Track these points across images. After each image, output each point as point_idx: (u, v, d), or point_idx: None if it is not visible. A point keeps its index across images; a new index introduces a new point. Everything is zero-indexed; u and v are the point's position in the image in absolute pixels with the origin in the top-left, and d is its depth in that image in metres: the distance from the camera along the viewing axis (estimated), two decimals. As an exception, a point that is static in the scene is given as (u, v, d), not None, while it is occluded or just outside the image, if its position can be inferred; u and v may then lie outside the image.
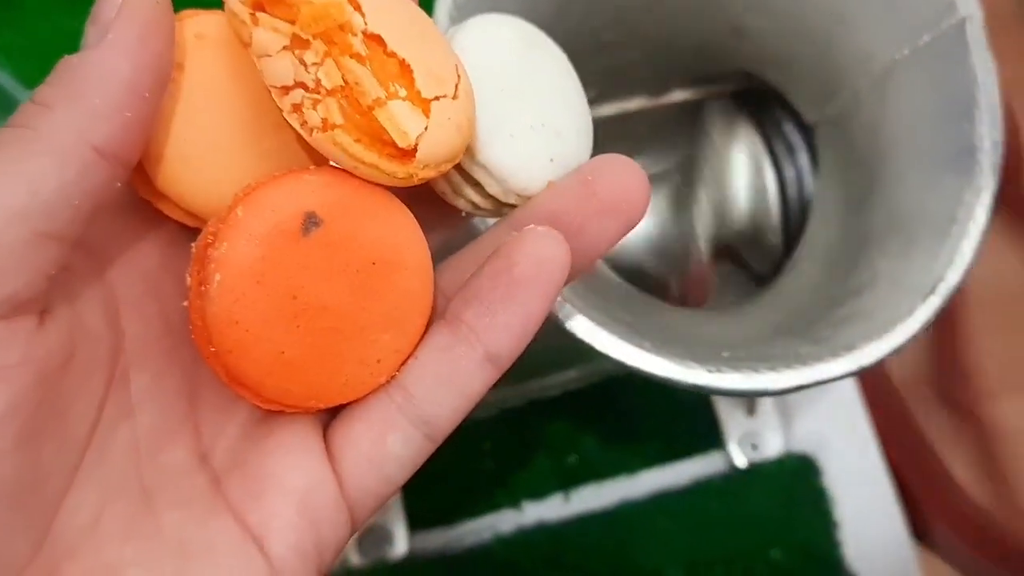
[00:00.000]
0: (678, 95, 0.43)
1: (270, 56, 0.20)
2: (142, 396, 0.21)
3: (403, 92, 0.20)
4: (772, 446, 0.51)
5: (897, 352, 0.32)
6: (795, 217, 0.40)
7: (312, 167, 0.21)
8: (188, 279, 0.20)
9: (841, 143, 0.38)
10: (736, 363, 0.31)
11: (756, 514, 0.52)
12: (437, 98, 0.20)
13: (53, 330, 0.19)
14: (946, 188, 0.33)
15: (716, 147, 0.42)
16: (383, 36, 0.20)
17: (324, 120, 0.20)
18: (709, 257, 0.40)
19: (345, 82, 0.20)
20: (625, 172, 0.22)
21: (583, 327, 0.31)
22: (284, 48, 0.20)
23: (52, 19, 0.56)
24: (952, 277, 0.32)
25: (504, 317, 0.21)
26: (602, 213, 0.22)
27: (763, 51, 0.39)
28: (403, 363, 0.22)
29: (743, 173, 0.42)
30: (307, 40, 0.20)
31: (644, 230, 0.41)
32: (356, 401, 0.22)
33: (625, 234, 0.23)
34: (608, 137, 0.44)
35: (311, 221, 0.20)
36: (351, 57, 0.20)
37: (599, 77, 0.42)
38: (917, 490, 0.54)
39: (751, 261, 0.42)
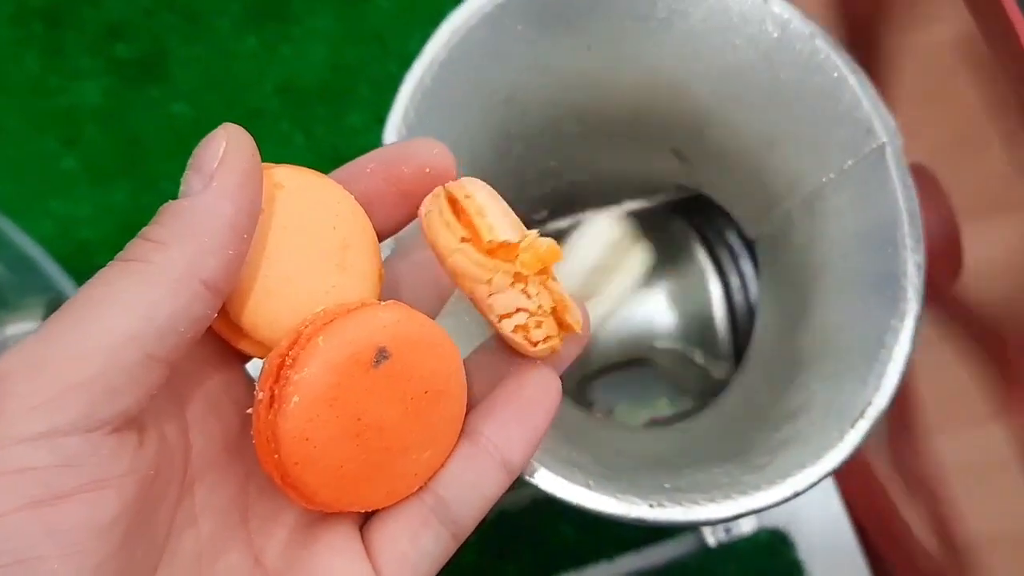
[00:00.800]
0: (627, 205, 0.45)
1: (502, 292, 0.24)
2: (204, 505, 0.24)
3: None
4: (745, 526, 0.52)
5: (832, 473, 0.33)
6: (742, 324, 0.42)
7: (381, 302, 0.24)
8: (257, 393, 0.23)
9: (778, 260, 0.40)
10: (677, 495, 0.33)
11: (734, 590, 0.53)
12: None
13: (148, 444, 0.21)
14: (872, 311, 0.35)
15: (664, 254, 0.44)
16: None
17: (547, 336, 0.24)
18: (664, 359, 0.41)
19: (553, 301, 0.24)
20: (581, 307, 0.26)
21: (528, 468, 0.32)
22: (511, 284, 0.24)
23: (33, 142, 0.58)
24: (880, 401, 0.33)
25: (518, 431, 0.25)
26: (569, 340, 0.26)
27: (702, 172, 0.41)
28: (434, 474, 0.25)
29: (690, 280, 0.43)
30: (526, 276, 0.24)
31: (611, 332, 0.43)
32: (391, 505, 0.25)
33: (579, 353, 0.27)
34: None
35: (382, 355, 0.23)
36: (552, 279, 0.24)
37: (549, 197, 0.43)
38: (886, 556, 0.55)
39: (706, 365, 0.44)
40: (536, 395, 0.25)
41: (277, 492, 0.24)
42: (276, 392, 0.22)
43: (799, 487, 0.33)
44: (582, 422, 0.39)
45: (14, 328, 0.40)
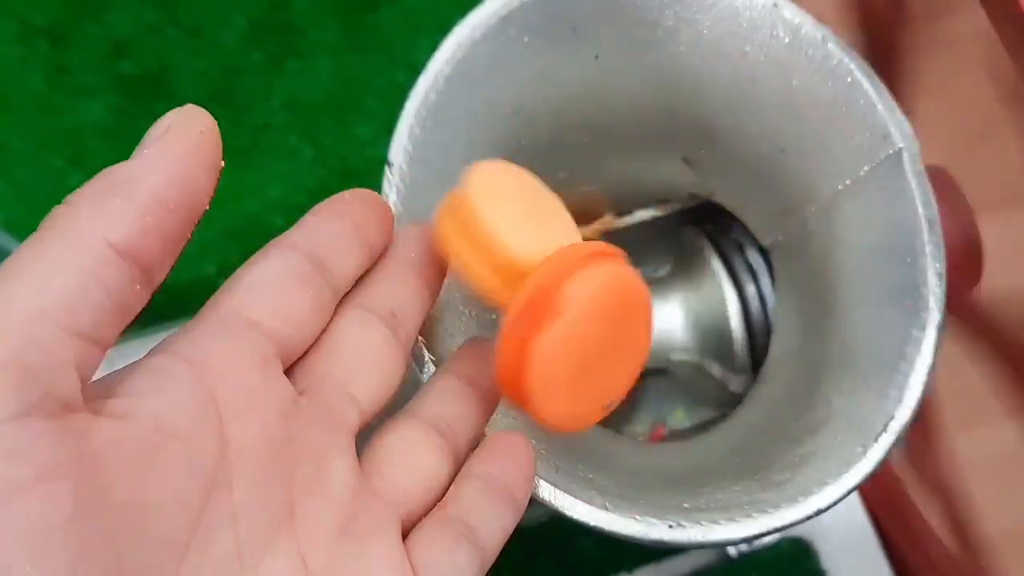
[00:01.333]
0: (641, 214, 0.44)
1: None
2: (245, 504, 0.22)
3: None
4: (766, 537, 0.51)
5: (855, 490, 0.33)
6: (759, 334, 0.41)
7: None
8: (524, 296, 0.25)
9: (794, 270, 0.39)
10: (696, 515, 0.32)
11: (756, 601, 0.52)
12: None
13: (106, 430, 0.20)
14: (893, 321, 0.34)
15: (677, 263, 0.43)
16: None
17: None
18: (680, 370, 0.41)
19: None
20: None
21: (545, 491, 0.32)
22: None
23: (39, 162, 0.57)
24: (903, 415, 0.33)
25: (515, 469, 0.28)
26: None
27: (713, 179, 0.40)
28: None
29: (704, 289, 0.43)
30: None
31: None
32: (420, 522, 0.26)
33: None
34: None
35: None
36: None
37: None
38: (908, 558, 0.54)
39: (722, 377, 0.43)
40: (516, 442, 0.29)
41: (323, 493, 0.24)
42: (553, 304, 0.24)
43: (821, 505, 0.32)
44: (597, 439, 0.38)
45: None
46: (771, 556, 0.52)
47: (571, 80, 0.38)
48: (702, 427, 0.42)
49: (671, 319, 0.44)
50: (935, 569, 0.54)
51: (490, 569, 0.52)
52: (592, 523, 0.32)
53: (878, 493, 0.55)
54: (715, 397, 0.43)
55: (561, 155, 0.40)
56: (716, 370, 0.42)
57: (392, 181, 0.35)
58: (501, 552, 0.53)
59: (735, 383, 0.42)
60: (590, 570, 0.52)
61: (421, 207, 0.35)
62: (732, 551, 0.51)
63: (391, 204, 0.34)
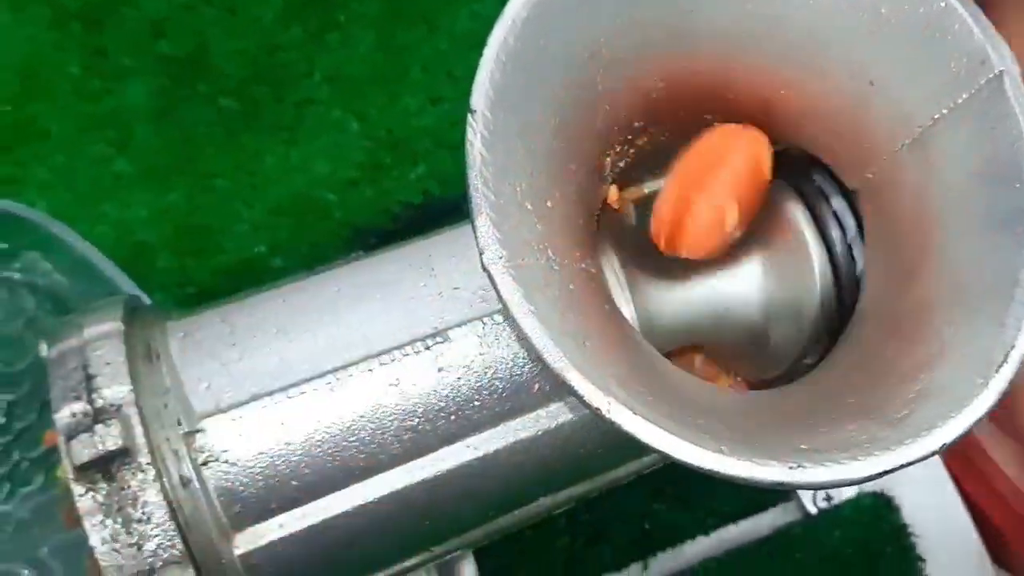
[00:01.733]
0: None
1: None
2: None
3: None
4: (846, 491, 0.50)
5: (977, 424, 0.31)
6: (847, 280, 0.40)
7: None
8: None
9: (887, 208, 0.38)
10: (816, 455, 0.31)
11: (840, 558, 0.51)
12: None
13: None
14: (1004, 250, 0.33)
15: (760, 213, 0.42)
16: None
17: None
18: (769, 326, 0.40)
19: None
20: None
21: (656, 437, 0.31)
22: None
23: (81, 148, 0.56)
24: (1023, 343, 0.31)
25: None
26: None
27: (795, 122, 0.39)
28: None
29: (787, 237, 0.41)
30: None
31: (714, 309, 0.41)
32: None
33: None
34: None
35: None
36: None
37: (635, 157, 0.42)
38: (993, 516, 0.53)
39: (816, 318, 0.42)
40: None
41: None
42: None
43: (947, 439, 0.31)
44: (698, 386, 0.37)
45: (92, 330, 0.38)
46: (852, 511, 0.51)
47: (650, 22, 0.37)
48: (803, 371, 0.41)
49: (754, 270, 0.42)
50: (1017, 521, 0.53)
51: (563, 536, 0.51)
52: (708, 467, 0.31)
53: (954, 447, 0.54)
54: (810, 339, 0.42)
55: (637, 102, 0.39)
56: (809, 311, 0.41)
57: (476, 128, 0.33)
58: (572, 522, 0.52)
59: (828, 324, 0.41)
60: (666, 535, 0.51)
61: (505, 153, 0.34)
62: (812, 508, 0.50)
63: (476, 152, 0.33)
